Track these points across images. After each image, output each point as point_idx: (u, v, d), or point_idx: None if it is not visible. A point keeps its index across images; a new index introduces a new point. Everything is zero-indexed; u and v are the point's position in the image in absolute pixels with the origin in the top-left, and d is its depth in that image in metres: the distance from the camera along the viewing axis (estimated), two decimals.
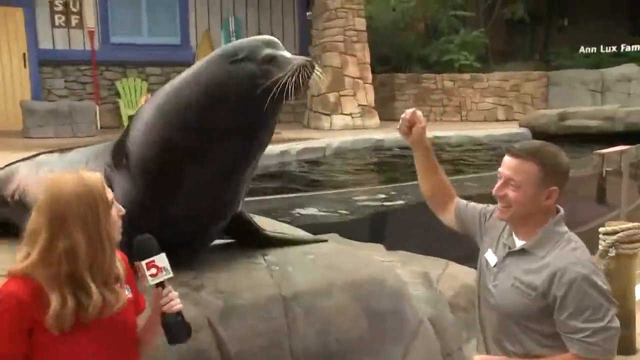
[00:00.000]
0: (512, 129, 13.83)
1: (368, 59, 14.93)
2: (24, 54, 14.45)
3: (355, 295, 3.25)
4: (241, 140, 2.91)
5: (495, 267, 2.35)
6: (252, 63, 2.83)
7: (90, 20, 14.60)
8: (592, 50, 17.56)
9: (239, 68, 2.83)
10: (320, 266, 3.36)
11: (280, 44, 2.97)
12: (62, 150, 3.69)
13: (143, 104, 3.17)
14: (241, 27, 16.14)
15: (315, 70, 2.80)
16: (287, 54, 2.89)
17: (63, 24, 14.72)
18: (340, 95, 14.52)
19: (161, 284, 2.07)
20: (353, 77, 14.65)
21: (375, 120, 14.76)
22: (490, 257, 2.39)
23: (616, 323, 2.14)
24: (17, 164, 3.69)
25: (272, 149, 10.28)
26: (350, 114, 14.54)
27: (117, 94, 14.99)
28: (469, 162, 10.79)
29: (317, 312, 3.12)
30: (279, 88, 2.73)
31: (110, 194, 2.00)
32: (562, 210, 2.32)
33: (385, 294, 3.34)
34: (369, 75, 14.97)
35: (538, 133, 13.12)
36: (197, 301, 2.86)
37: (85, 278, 1.89)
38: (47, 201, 1.91)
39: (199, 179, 2.93)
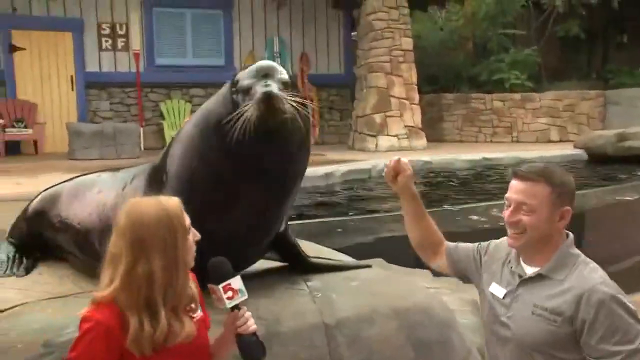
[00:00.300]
0: (567, 150, 13.59)
1: (415, 79, 14.89)
2: (72, 76, 14.91)
3: (401, 323, 3.20)
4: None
5: (507, 298, 2.28)
6: (240, 93, 2.81)
7: (136, 43, 14.98)
8: None
9: (230, 97, 2.85)
10: (364, 293, 3.32)
11: (269, 68, 2.87)
12: (103, 170, 3.76)
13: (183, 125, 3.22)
14: (285, 48, 16.35)
15: (278, 101, 2.66)
16: (264, 82, 2.75)
17: (109, 47, 15.18)
18: (387, 116, 14.50)
19: (236, 306, 2.14)
20: (399, 98, 14.62)
21: (422, 141, 14.67)
22: (497, 289, 2.33)
23: None
24: (61, 185, 3.76)
25: (316, 170, 10.33)
26: (396, 135, 14.50)
27: (161, 116, 15.30)
28: None
29: (360, 340, 3.08)
30: (238, 122, 2.67)
31: (187, 220, 2.05)
32: (571, 234, 2.29)
33: (431, 323, 3.28)
34: (416, 96, 14.92)
35: (594, 155, 12.84)
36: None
37: (158, 304, 1.94)
38: (127, 225, 1.97)
39: (233, 199, 2.94)
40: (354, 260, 3.93)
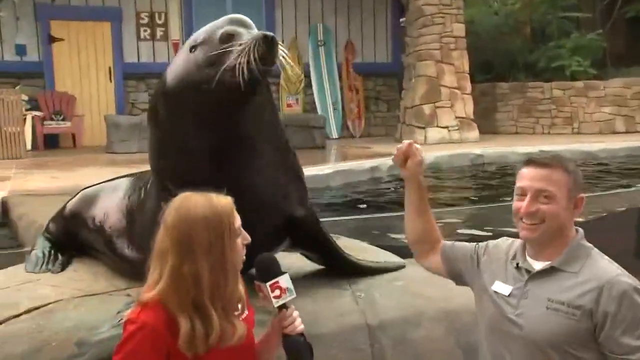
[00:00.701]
0: (635, 142, 13.24)
1: (467, 68, 14.71)
2: (110, 68, 15.16)
3: (449, 326, 3.17)
4: (220, 131, 2.84)
5: (514, 295, 2.22)
6: (209, 47, 2.72)
7: (175, 32, 15.11)
8: None
9: (197, 55, 2.76)
10: (409, 293, 3.30)
11: (246, 19, 2.81)
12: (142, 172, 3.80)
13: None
14: (330, 35, 16.32)
15: (276, 46, 2.61)
16: (249, 31, 2.71)
17: (148, 37, 15.40)
18: (436, 107, 14.36)
19: (284, 305, 2.15)
20: (450, 87, 14.46)
21: (474, 133, 14.50)
22: (501, 287, 2.27)
23: None
24: (100, 185, 3.82)
25: (361, 164, 10.32)
26: (446, 127, 14.35)
27: None
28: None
29: (406, 343, 3.06)
30: (230, 75, 2.61)
31: (238, 222, 2.05)
32: (580, 229, 2.26)
33: None
34: (468, 85, 14.74)
35: None
36: None
37: (207, 305, 1.95)
38: (174, 222, 1.97)
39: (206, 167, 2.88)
40: (397, 258, 3.91)
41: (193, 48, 2.80)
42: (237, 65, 2.59)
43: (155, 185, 3.13)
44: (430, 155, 11.81)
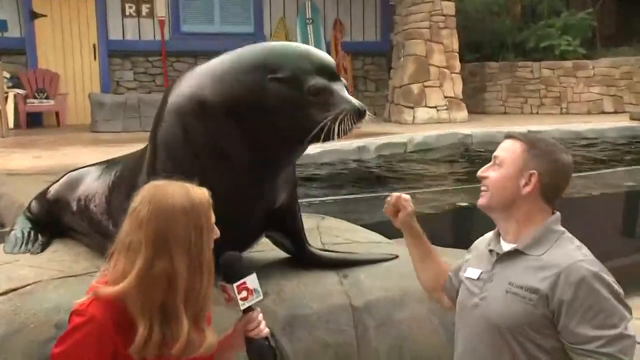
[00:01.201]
0: (622, 122, 13.29)
1: (456, 47, 14.66)
2: (94, 45, 14.98)
3: (434, 307, 3.16)
4: (262, 156, 2.82)
5: (480, 280, 2.19)
6: (294, 89, 2.65)
7: (161, 9, 14.99)
8: None
9: (279, 90, 2.66)
10: (394, 274, 3.30)
11: (334, 69, 2.77)
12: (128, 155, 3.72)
13: (177, 82, 3.06)
14: (318, 14, 16.21)
15: (365, 117, 2.67)
16: (338, 86, 2.70)
17: (133, 14, 15.20)
18: (425, 87, 14.31)
19: (249, 308, 2.06)
20: (439, 67, 14.41)
21: (463, 113, 14.48)
22: (472, 272, 2.24)
23: (632, 331, 1.93)
24: (86, 168, 3.76)
25: (349, 144, 10.28)
26: (435, 107, 14.33)
27: None
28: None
29: (390, 324, 3.07)
30: (319, 129, 2.59)
31: (213, 216, 1.93)
32: (558, 213, 2.17)
33: None
34: (457, 65, 14.70)
35: None
36: (261, 309, 2.84)
37: (178, 310, 1.82)
38: (150, 215, 1.83)
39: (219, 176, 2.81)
40: (384, 239, 3.90)
41: (273, 78, 2.66)
42: (328, 125, 2.59)
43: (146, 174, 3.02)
44: (418, 135, 11.81)
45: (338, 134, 2.59)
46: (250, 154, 2.79)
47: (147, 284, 1.80)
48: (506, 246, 2.17)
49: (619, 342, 1.91)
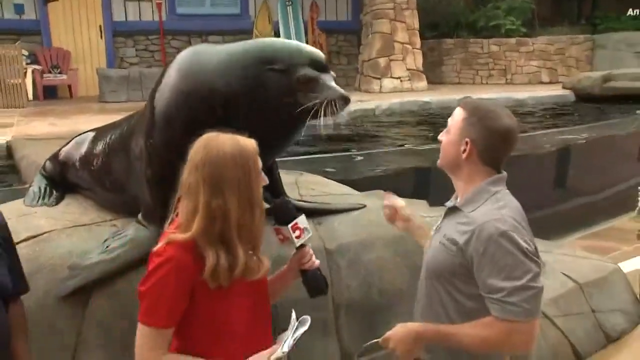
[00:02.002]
0: (556, 91, 13.34)
1: (417, 25, 14.52)
2: (100, 26, 14.66)
3: (398, 250, 3.17)
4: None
5: (434, 231, 2.17)
6: (287, 78, 2.61)
7: None
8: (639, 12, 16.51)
9: (274, 78, 2.61)
10: (364, 221, 3.28)
11: (324, 62, 2.72)
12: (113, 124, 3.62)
13: (168, 69, 2.89)
14: None
15: (347, 106, 2.60)
16: (326, 77, 2.65)
17: None
18: (390, 60, 14.20)
19: (302, 244, 2.08)
20: (402, 43, 14.29)
21: (423, 83, 14.43)
22: (436, 223, 2.21)
23: (539, 283, 1.89)
24: (90, 131, 3.68)
25: None
26: (399, 78, 14.24)
27: None
28: None
29: (359, 264, 3.06)
30: (306, 112, 2.55)
31: (260, 163, 1.90)
32: (504, 173, 2.08)
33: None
34: (418, 41, 14.57)
35: (582, 95, 12.61)
36: None
37: (234, 240, 1.82)
38: (205, 161, 1.82)
39: None
40: (355, 192, 3.88)
41: (270, 69, 2.61)
42: (314, 109, 2.53)
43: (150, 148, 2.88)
44: (384, 102, 11.76)
45: (324, 116, 2.53)
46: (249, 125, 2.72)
47: (208, 220, 1.80)
48: (452, 202, 2.14)
49: (522, 292, 1.85)
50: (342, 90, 2.60)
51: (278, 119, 2.64)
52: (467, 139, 2.02)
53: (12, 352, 2.03)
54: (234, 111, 2.64)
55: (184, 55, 2.84)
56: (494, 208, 1.97)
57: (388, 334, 2.04)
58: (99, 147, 3.36)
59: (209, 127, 2.60)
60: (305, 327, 1.90)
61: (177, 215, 1.89)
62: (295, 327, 1.90)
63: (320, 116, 2.53)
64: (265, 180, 1.94)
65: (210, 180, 1.80)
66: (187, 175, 1.84)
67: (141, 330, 1.82)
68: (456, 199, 2.13)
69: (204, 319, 1.87)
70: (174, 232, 1.84)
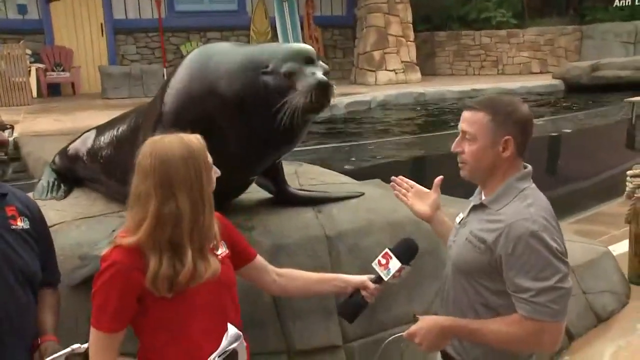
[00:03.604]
0: (546, 80, 13.35)
1: (410, 19, 14.51)
2: (102, 24, 14.61)
3: (394, 234, 3.17)
4: (259, 144, 2.72)
5: (459, 225, 2.09)
6: (276, 77, 2.55)
7: None
8: (626, 3, 16.35)
9: (269, 80, 2.56)
10: (362, 209, 3.29)
11: (308, 53, 2.62)
12: (118, 118, 3.63)
13: (178, 68, 2.91)
14: None
15: (330, 91, 2.46)
16: (311, 68, 2.54)
17: None
18: (385, 53, 14.20)
19: (382, 281, 2.09)
20: (396, 36, 14.28)
21: (417, 75, 14.43)
22: (458, 218, 2.13)
23: (567, 284, 1.83)
24: (97, 127, 3.68)
25: None
26: (393, 70, 14.25)
27: (182, 57, 14.94)
28: None
29: (358, 250, 3.07)
30: (290, 109, 2.45)
31: (209, 157, 1.83)
32: (529, 167, 2.01)
33: (421, 234, 3.24)
34: (411, 34, 14.58)
35: (571, 84, 12.63)
36: (248, 240, 2.84)
37: (185, 244, 1.75)
38: (154, 166, 1.74)
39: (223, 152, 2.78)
40: (353, 181, 3.90)
41: (264, 72, 2.57)
42: (293, 105, 2.44)
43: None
44: (380, 94, 11.75)
45: (306, 110, 2.44)
46: (246, 142, 2.72)
47: (157, 226, 1.73)
48: (479, 198, 2.05)
49: (550, 293, 1.80)
50: (320, 77, 2.46)
51: (272, 120, 2.55)
52: (505, 137, 1.92)
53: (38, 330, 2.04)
54: (240, 113, 2.63)
55: (194, 56, 2.84)
56: (523, 206, 1.89)
57: (413, 328, 1.96)
58: (107, 140, 3.37)
59: (216, 125, 2.64)
60: (239, 341, 1.81)
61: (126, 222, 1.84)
62: (226, 342, 1.81)
63: (297, 108, 2.43)
64: (217, 172, 1.86)
65: (162, 186, 1.72)
66: (137, 183, 1.76)
67: (91, 333, 1.80)
68: (480, 194, 2.07)
69: (156, 324, 1.81)
70: (123, 237, 1.78)
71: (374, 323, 3.05)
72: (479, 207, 2.01)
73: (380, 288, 2.11)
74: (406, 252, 2.08)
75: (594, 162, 7.86)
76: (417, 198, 2.33)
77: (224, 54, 2.78)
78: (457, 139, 2.00)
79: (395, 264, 2.04)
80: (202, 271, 1.77)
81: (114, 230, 2.85)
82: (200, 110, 2.69)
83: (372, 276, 2.12)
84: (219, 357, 1.74)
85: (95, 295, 1.78)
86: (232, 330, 1.82)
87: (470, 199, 2.12)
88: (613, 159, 8.20)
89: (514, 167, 1.97)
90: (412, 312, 2.22)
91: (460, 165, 2.01)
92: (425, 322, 1.96)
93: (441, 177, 2.31)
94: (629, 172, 4.74)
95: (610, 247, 4.84)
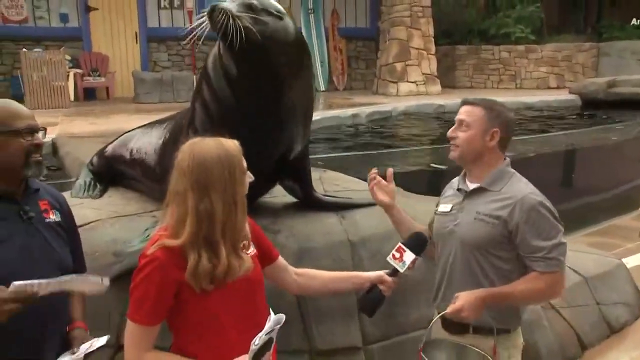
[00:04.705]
0: (563, 95, 13.19)
1: (432, 33, 14.45)
2: (136, 32, 14.79)
3: None
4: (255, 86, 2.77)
5: (453, 211, 2.31)
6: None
7: (189, 2, 14.70)
8: None
9: None
10: (383, 215, 3.26)
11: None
12: (158, 121, 3.69)
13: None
14: (319, 5, 15.91)
15: (223, 15, 2.51)
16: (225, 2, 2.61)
17: (167, 6, 14.92)
18: (406, 65, 14.15)
19: (398, 273, 2.15)
20: (418, 49, 14.23)
21: (437, 87, 14.35)
22: (443, 207, 2.36)
23: (565, 240, 2.17)
24: (136, 129, 3.73)
25: (345, 112, 10.25)
26: (415, 82, 14.18)
27: None
28: (523, 125, 10.35)
29: (380, 255, 3.06)
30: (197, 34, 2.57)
31: (244, 161, 1.87)
32: (508, 158, 2.32)
33: None
34: (433, 47, 14.50)
35: (588, 100, 12.45)
36: (274, 243, 2.84)
37: (218, 240, 1.78)
38: (192, 166, 1.78)
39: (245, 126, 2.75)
40: (368, 198, 3.87)
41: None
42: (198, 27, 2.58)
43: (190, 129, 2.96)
44: (401, 104, 11.73)
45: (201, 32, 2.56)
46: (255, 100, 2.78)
47: (196, 224, 1.76)
48: (472, 185, 2.30)
49: (558, 248, 2.14)
50: (219, 5, 2.57)
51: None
52: (494, 129, 2.23)
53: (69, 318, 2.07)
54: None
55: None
56: (523, 184, 2.23)
57: (456, 306, 2.11)
58: (150, 141, 3.41)
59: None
60: (280, 324, 1.84)
61: (164, 220, 1.86)
62: (270, 323, 1.84)
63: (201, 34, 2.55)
64: (250, 176, 1.90)
65: (198, 185, 1.76)
66: (175, 182, 1.81)
67: (128, 326, 1.81)
68: (464, 182, 2.32)
69: (192, 320, 1.82)
70: (163, 235, 1.81)
71: (393, 326, 3.04)
72: (478, 191, 2.26)
73: (396, 281, 2.17)
74: (417, 244, 2.18)
75: (609, 176, 7.75)
76: (379, 190, 2.50)
77: None
78: (453, 127, 2.29)
79: (409, 256, 2.14)
80: (236, 267, 1.81)
81: (146, 229, 2.88)
82: (224, 95, 2.79)
83: (388, 271, 2.18)
84: (265, 335, 1.78)
85: (134, 290, 1.80)
86: (274, 315, 1.87)
87: (447, 193, 2.40)
88: (628, 173, 8.08)
89: (496, 157, 2.27)
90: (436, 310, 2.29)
91: (452, 148, 2.29)
92: (465, 297, 2.13)
93: (391, 169, 2.53)
94: None
95: (624, 260, 4.76)
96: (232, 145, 1.85)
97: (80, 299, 2.13)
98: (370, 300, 2.15)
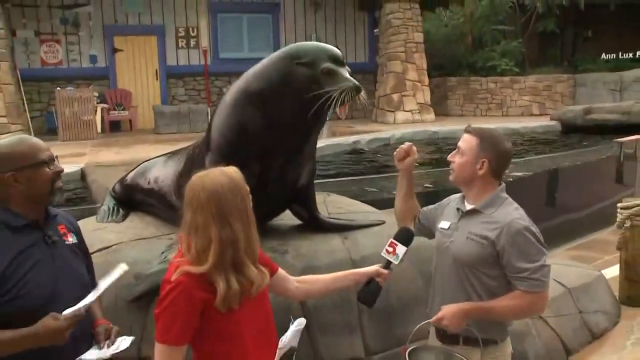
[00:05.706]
0: (545, 122, 13.22)
1: (425, 66, 14.54)
2: (156, 70, 14.96)
3: (413, 259, 3.13)
4: (290, 132, 2.81)
5: (450, 229, 2.28)
6: (312, 70, 2.68)
7: (204, 42, 14.83)
8: (612, 57, 16.46)
9: (301, 70, 2.70)
10: (384, 235, 3.22)
11: (341, 58, 2.77)
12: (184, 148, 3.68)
13: (224, 97, 3.05)
14: (321, 42, 16.02)
15: (360, 94, 2.66)
16: (344, 71, 2.70)
17: (184, 46, 15.13)
18: (402, 95, 14.22)
19: (390, 265, 2.15)
20: (413, 81, 14.31)
21: (431, 115, 14.39)
22: (444, 224, 2.33)
23: (549, 263, 2.16)
24: (153, 159, 3.72)
25: (346, 139, 10.26)
26: (410, 111, 14.24)
27: None
28: None
29: None
30: (326, 99, 2.61)
31: (247, 185, 1.84)
32: (503, 184, 2.28)
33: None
34: (426, 79, 14.59)
35: (566, 125, 12.50)
36: (282, 263, 2.82)
37: (245, 262, 1.76)
38: (208, 198, 1.73)
39: (264, 163, 2.82)
40: (376, 210, 3.86)
41: (298, 63, 2.72)
42: (333, 97, 2.61)
43: (209, 159, 2.94)
44: (398, 131, 11.76)
45: (341, 102, 2.62)
46: (278, 130, 2.80)
47: (221, 252, 1.73)
48: (468, 206, 2.28)
49: (541, 270, 2.12)
50: (355, 81, 2.67)
51: (304, 105, 2.68)
52: (483, 160, 2.19)
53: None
54: (270, 110, 2.73)
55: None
56: (513, 209, 2.20)
57: (439, 315, 2.13)
58: (167, 170, 3.40)
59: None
60: (301, 327, 1.86)
61: (181, 250, 1.82)
62: (293, 326, 1.84)
63: (336, 101, 2.60)
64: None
65: (219, 215, 1.73)
66: (193, 215, 1.75)
67: (157, 347, 1.75)
68: (463, 202, 2.29)
69: (216, 336, 1.78)
70: (182, 261, 1.76)
71: (394, 338, 2.99)
72: (472, 212, 2.23)
73: (390, 272, 2.17)
74: (406, 238, 2.18)
75: (588, 194, 7.71)
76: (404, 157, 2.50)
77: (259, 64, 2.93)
78: (453, 152, 2.28)
79: (402, 249, 2.14)
80: (260, 281, 1.80)
81: (163, 252, 2.86)
82: (241, 119, 2.82)
83: (382, 264, 2.18)
84: (289, 337, 1.80)
85: (160, 315, 1.74)
86: (296, 319, 1.87)
87: (447, 211, 2.36)
88: (605, 192, 8.04)
89: (489, 183, 2.23)
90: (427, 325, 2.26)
91: (450, 171, 2.29)
92: (448, 308, 2.13)
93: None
94: (619, 205, 4.65)
95: (603, 271, 4.74)
96: (234, 173, 1.82)
97: (97, 305, 2.13)
98: (369, 292, 2.14)
